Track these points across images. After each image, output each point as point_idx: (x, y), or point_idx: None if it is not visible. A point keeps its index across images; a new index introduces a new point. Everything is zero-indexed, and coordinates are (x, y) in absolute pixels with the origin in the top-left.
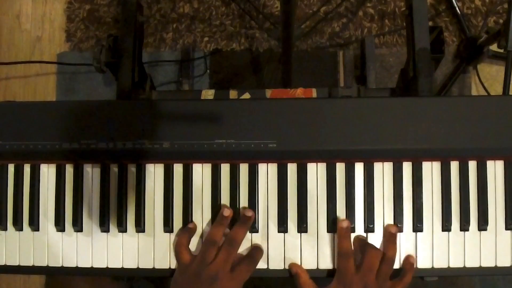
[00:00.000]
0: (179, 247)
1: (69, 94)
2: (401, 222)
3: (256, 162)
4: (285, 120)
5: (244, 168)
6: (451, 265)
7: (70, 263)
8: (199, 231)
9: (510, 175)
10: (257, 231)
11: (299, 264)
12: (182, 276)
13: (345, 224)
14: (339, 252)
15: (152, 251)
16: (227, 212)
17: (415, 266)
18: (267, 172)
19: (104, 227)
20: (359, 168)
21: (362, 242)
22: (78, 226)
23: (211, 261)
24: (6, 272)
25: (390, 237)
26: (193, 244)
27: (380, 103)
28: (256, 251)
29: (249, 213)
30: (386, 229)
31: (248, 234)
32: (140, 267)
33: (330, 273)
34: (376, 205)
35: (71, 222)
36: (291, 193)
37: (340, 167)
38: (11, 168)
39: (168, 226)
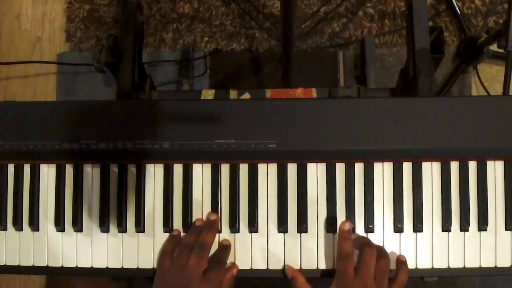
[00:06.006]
0: (164, 254)
1: (69, 94)
2: (401, 222)
3: (256, 162)
4: (285, 120)
5: (244, 168)
6: (451, 265)
7: (70, 263)
8: None
9: (510, 175)
10: (256, 231)
11: (299, 264)
12: (160, 283)
13: (347, 226)
14: (339, 254)
15: (152, 251)
16: (198, 221)
17: (415, 267)
18: (267, 172)
19: (104, 227)
20: (359, 168)
21: (358, 242)
22: (78, 226)
23: (185, 265)
24: (6, 272)
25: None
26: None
27: (380, 103)
28: (221, 253)
29: (213, 217)
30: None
31: (248, 234)
32: (140, 267)
33: (327, 274)
34: (376, 205)
35: (71, 222)
36: (291, 193)
37: (340, 167)
38: (11, 168)
39: (168, 226)
